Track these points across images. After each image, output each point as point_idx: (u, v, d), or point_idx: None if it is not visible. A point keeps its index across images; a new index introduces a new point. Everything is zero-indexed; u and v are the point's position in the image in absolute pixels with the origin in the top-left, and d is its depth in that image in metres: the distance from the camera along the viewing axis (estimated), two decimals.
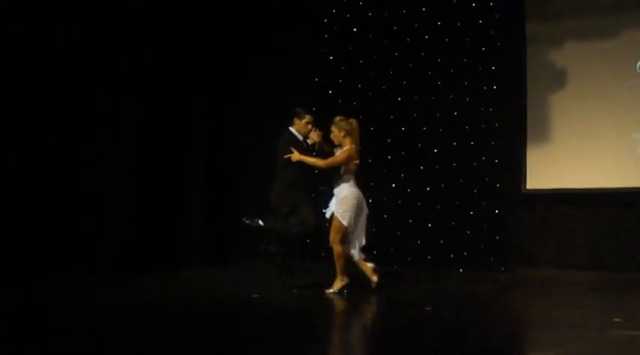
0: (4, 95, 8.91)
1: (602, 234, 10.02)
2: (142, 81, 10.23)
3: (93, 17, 9.60)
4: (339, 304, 7.82)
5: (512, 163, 10.47)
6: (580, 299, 8.03)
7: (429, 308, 7.19)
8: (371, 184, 10.80)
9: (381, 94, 10.91)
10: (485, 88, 10.37)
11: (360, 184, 8.54)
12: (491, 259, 10.21)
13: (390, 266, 10.48)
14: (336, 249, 8.19)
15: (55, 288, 8.35)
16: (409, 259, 10.60)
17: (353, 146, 8.32)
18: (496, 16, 10.35)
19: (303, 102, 10.93)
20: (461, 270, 10.23)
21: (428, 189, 10.61)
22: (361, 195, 8.35)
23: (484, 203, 10.31)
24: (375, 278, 8.28)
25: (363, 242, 8.36)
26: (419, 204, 10.65)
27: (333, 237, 8.20)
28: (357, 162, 8.33)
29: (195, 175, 11.22)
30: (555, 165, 10.31)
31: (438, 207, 10.54)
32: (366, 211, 8.39)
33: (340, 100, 11.06)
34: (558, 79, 10.34)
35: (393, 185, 10.79)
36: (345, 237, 8.24)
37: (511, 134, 10.45)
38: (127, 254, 9.76)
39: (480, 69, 10.38)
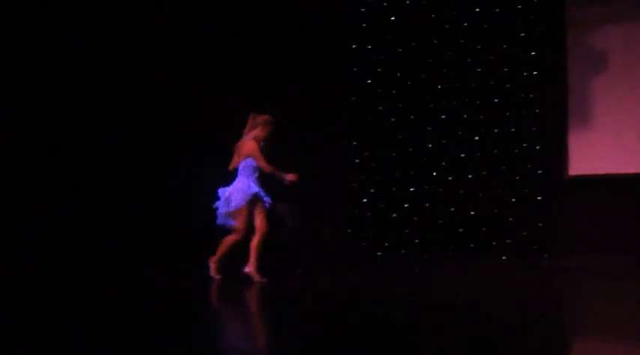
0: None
1: None
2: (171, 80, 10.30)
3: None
4: (379, 293, 7.78)
5: (554, 149, 10.41)
6: (625, 285, 7.95)
7: (462, 298, 7.16)
8: (412, 173, 10.84)
9: (421, 82, 10.88)
10: (525, 73, 10.31)
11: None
12: (535, 246, 10.16)
13: (432, 255, 10.51)
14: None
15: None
16: (451, 247, 10.59)
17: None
18: (535, 0, 10.29)
19: (341, 92, 11.05)
20: (504, 258, 10.19)
21: (470, 176, 10.59)
22: (230, 188, 8.15)
23: (526, 190, 10.26)
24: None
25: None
26: (461, 191, 10.62)
27: None
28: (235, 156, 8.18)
29: None
30: (598, 150, 10.23)
31: (480, 195, 10.51)
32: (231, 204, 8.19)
33: (379, 90, 11.07)
34: (600, 63, 10.24)
35: (434, 173, 10.77)
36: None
37: (552, 120, 10.39)
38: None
39: (520, 55, 10.33)
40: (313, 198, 10.66)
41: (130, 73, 10.01)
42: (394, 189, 10.94)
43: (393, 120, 10.97)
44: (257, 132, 8.12)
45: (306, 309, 6.56)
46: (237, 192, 8.05)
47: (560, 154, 10.45)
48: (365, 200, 11.06)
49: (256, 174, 8.09)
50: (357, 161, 11.13)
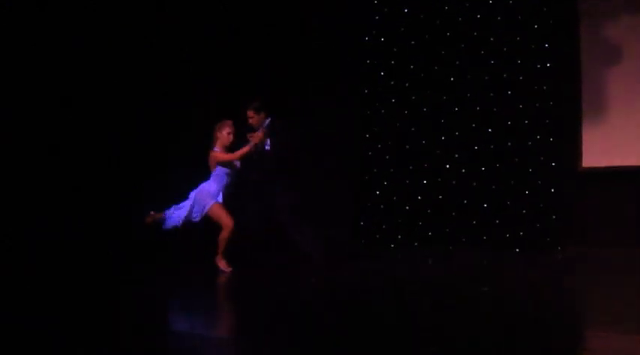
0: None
1: None
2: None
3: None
4: (391, 285, 7.78)
5: (568, 141, 10.34)
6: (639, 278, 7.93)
7: (485, 289, 7.17)
8: (425, 165, 10.83)
9: (434, 75, 10.85)
10: (538, 65, 10.27)
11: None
12: (548, 239, 10.13)
13: (445, 247, 10.50)
14: None
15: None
16: (464, 240, 10.57)
17: None
18: None
19: (355, 85, 11.03)
20: (517, 250, 10.16)
21: (483, 168, 10.56)
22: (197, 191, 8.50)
23: (540, 182, 10.23)
24: None
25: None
26: (474, 184, 10.60)
27: None
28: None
29: None
30: (612, 142, 10.15)
31: (494, 187, 10.47)
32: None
33: (392, 82, 11.07)
34: (613, 55, 10.16)
35: (448, 166, 10.75)
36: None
37: (566, 112, 10.34)
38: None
39: (533, 47, 10.28)
40: (324, 193, 10.67)
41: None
42: (407, 181, 10.94)
43: (406, 112, 10.96)
44: (220, 142, 8.48)
45: (316, 306, 6.63)
46: (204, 195, 8.31)
47: (573, 146, 10.37)
48: (378, 192, 11.07)
49: (227, 181, 8.34)
50: (370, 154, 11.14)
